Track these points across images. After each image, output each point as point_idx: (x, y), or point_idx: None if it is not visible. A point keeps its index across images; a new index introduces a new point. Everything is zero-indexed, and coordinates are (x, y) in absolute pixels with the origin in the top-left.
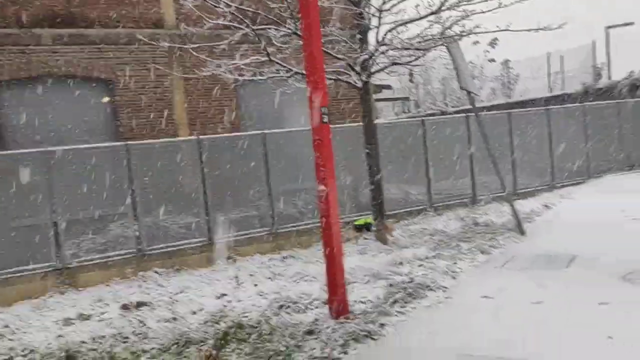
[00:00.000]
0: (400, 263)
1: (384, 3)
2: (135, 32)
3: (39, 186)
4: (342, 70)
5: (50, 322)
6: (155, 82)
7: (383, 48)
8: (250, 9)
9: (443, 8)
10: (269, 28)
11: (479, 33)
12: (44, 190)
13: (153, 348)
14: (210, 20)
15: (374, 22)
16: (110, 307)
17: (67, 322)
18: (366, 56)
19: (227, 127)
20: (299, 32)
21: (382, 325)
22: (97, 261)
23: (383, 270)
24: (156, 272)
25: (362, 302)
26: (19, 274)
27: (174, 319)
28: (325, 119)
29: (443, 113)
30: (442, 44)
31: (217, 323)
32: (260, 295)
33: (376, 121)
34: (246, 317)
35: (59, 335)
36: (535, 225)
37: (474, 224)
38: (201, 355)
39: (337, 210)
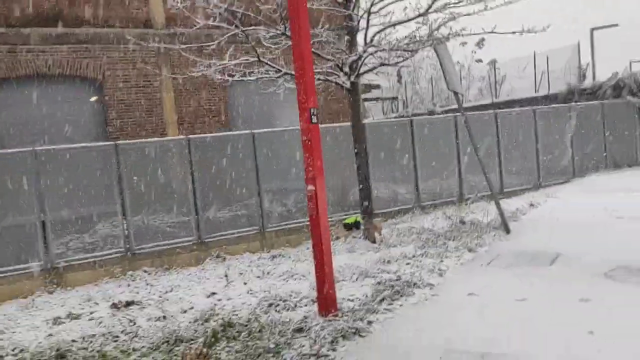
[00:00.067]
0: (388, 261)
1: (372, 5)
2: (124, 32)
3: (27, 186)
4: (330, 70)
5: (40, 321)
6: (145, 82)
7: (371, 49)
8: (240, 10)
9: (430, 10)
10: (259, 29)
11: (466, 35)
12: (32, 190)
13: (143, 346)
14: (199, 21)
15: (363, 23)
16: (100, 307)
17: (57, 321)
18: (355, 57)
19: (216, 127)
20: (288, 33)
21: (369, 322)
22: (86, 261)
23: (371, 269)
24: (145, 271)
25: (350, 299)
26: (6, 274)
27: (164, 317)
28: (314, 120)
29: (431, 113)
30: (429, 46)
31: (207, 321)
32: (250, 293)
33: (365, 121)
34: (236, 315)
35: (49, 335)
36: (520, 224)
37: (460, 222)
38: (191, 354)
39: (326, 209)
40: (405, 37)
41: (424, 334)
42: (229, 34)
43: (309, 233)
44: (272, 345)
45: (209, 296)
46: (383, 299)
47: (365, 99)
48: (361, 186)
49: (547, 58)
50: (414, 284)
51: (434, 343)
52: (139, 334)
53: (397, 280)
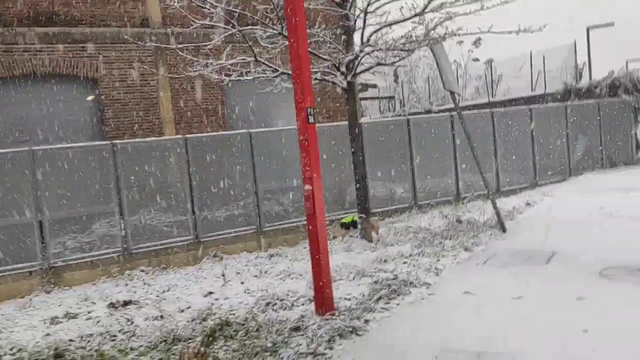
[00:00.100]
0: (385, 260)
1: (368, 5)
2: (120, 31)
3: (25, 185)
4: (327, 70)
5: (37, 320)
6: (141, 81)
7: (368, 49)
8: (237, 10)
9: (426, 10)
10: (256, 28)
11: (462, 35)
12: (29, 190)
13: (141, 346)
14: (196, 21)
15: (359, 23)
16: (97, 306)
17: (54, 320)
18: (351, 57)
19: (213, 126)
20: (285, 33)
21: (366, 321)
22: (83, 260)
23: (368, 268)
24: (143, 270)
25: (347, 299)
26: (3, 274)
27: (162, 317)
28: (311, 119)
29: (428, 112)
30: (426, 45)
31: (204, 320)
32: (247, 292)
33: (361, 120)
34: (233, 314)
35: (47, 334)
36: (516, 223)
37: (457, 221)
38: (189, 353)
39: (323, 208)
40: (402, 36)
41: (421, 332)
42: (226, 34)
43: (306, 232)
44: (269, 344)
45: (206, 295)
46: (380, 298)
47: (362, 98)
48: (358, 185)
49: (544, 57)
50: (411, 283)
51: (430, 342)
52: (136, 333)
53: (393, 279)
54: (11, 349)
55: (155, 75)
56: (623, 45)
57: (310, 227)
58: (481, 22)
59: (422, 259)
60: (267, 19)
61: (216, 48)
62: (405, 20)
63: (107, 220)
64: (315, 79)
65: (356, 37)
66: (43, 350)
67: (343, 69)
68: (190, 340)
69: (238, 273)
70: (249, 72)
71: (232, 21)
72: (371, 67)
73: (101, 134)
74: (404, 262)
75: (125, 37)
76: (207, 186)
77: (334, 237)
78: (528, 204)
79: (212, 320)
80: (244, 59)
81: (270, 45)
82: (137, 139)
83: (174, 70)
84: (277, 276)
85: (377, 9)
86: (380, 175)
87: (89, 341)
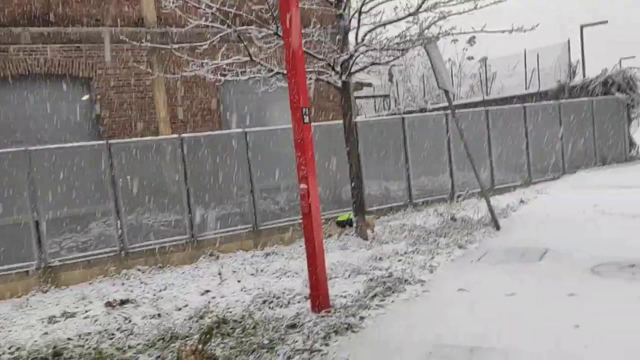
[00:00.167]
0: (380, 258)
1: (363, 5)
2: (115, 31)
3: (21, 185)
4: (322, 70)
5: (35, 320)
6: (136, 81)
7: (363, 49)
8: (232, 10)
9: (420, 10)
10: (251, 28)
11: (456, 34)
12: (25, 189)
13: (139, 344)
14: (192, 20)
15: (354, 23)
16: (94, 305)
17: (52, 320)
18: (346, 56)
19: (209, 125)
20: (280, 33)
21: (362, 318)
22: (80, 260)
23: (363, 266)
24: (139, 269)
25: (342, 296)
26: (0, 273)
27: (159, 315)
28: (306, 119)
29: (422, 110)
30: (420, 45)
31: (201, 318)
32: (244, 291)
33: (357, 119)
34: (230, 312)
35: (45, 333)
36: (510, 220)
37: (451, 219)
38: (187, 350)
39: (319, 207)
40: (396, 36)
41: (415, 329)
42: (221, 34)
43: (302, 231)
44: (266, 341)
45: (203, 294)
46: (375, 296)
47: (357, 97)
48: (353, 184)
49: (538, 56)
50: (406, 280)
51: (424, 338)
52: (134, 331)
53: (388, 276)
54: (10, 348)
55: (151, 75)
56: (616, 44)
57: (306, 225)
58: (475, 21)
59: (417, 256)
60: (263, 19)
61: (212, 48)
62: (399, 19)
63: (103, 219)
64: (310, 78)
65: (351, 37)
66: (42, 348)
67: (338, 68)
68: (187, 338)
69: (234, 271)
70: (245, 72)
71: (227, 21)
72: (366, 67)
73: (96, 134)
74: (399, 260)
75: (121, 36)
76: (203, 185)
77: (330, 236)
78: (522, 201)
79: (209, 318)
80: (239, 59)
81: (265, 45)
82: (132, 139)
83: (169, 69)
84: (273, 274)
85: (371, 9)
86: (375, 174)
87: (87, 340)
